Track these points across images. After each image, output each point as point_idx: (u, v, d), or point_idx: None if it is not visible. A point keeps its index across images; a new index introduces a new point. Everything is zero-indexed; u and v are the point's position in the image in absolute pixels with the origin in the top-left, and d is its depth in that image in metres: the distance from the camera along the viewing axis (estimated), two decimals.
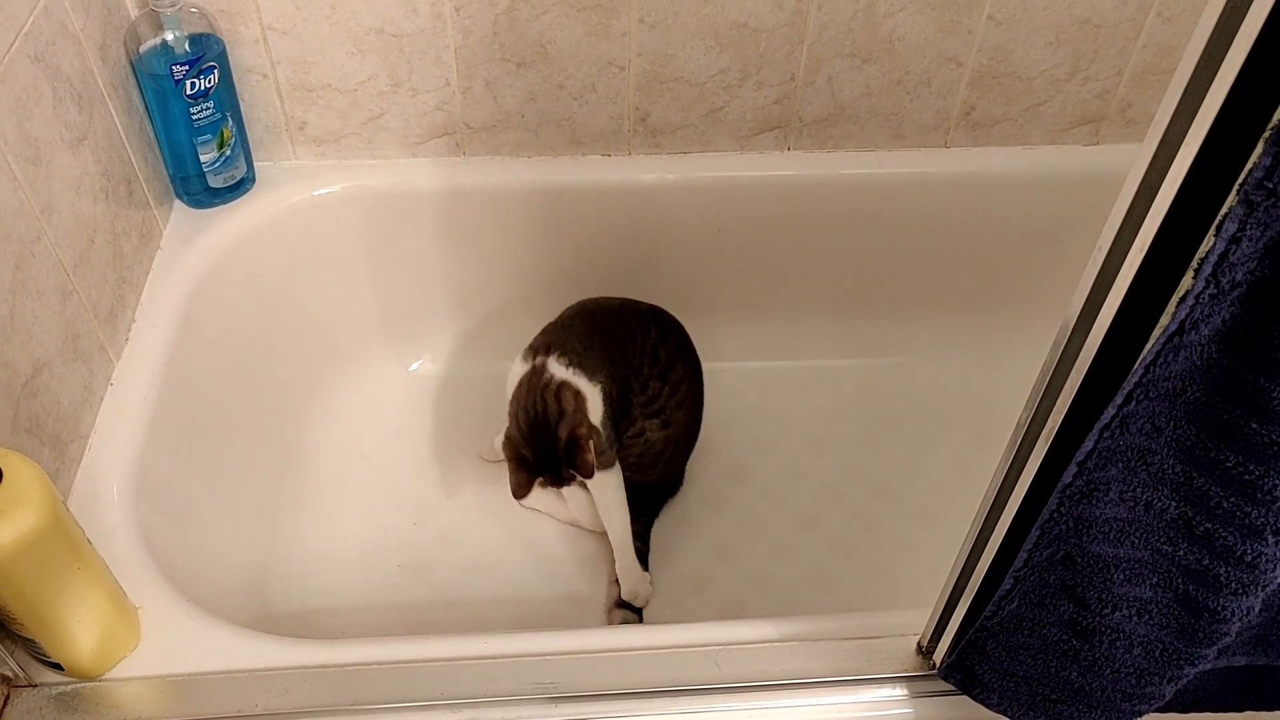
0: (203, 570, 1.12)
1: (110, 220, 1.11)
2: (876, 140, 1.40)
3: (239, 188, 1.31)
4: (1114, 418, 0.53)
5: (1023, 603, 0.66)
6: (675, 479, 1.40)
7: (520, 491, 1.15)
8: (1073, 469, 0.56)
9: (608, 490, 1.24)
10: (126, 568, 0.93)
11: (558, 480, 1.17)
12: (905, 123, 1.39)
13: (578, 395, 1.15)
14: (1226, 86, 0.49)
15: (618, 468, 1.24)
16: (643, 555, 1.31)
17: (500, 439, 1.26)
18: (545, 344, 1.21)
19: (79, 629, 0.81)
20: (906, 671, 0.89)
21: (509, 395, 1.21)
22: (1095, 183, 1.44)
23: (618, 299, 1.30)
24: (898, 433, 1.51)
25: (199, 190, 1.28)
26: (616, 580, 1.27)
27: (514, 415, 1.18)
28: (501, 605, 1.30)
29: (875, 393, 1.56)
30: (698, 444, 1.38)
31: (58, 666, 0.85)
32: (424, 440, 1.46)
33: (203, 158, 1.24)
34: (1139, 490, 0.56)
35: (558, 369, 1.17)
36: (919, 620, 0.91)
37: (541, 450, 1.14)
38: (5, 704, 0.84)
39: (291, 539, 1.31)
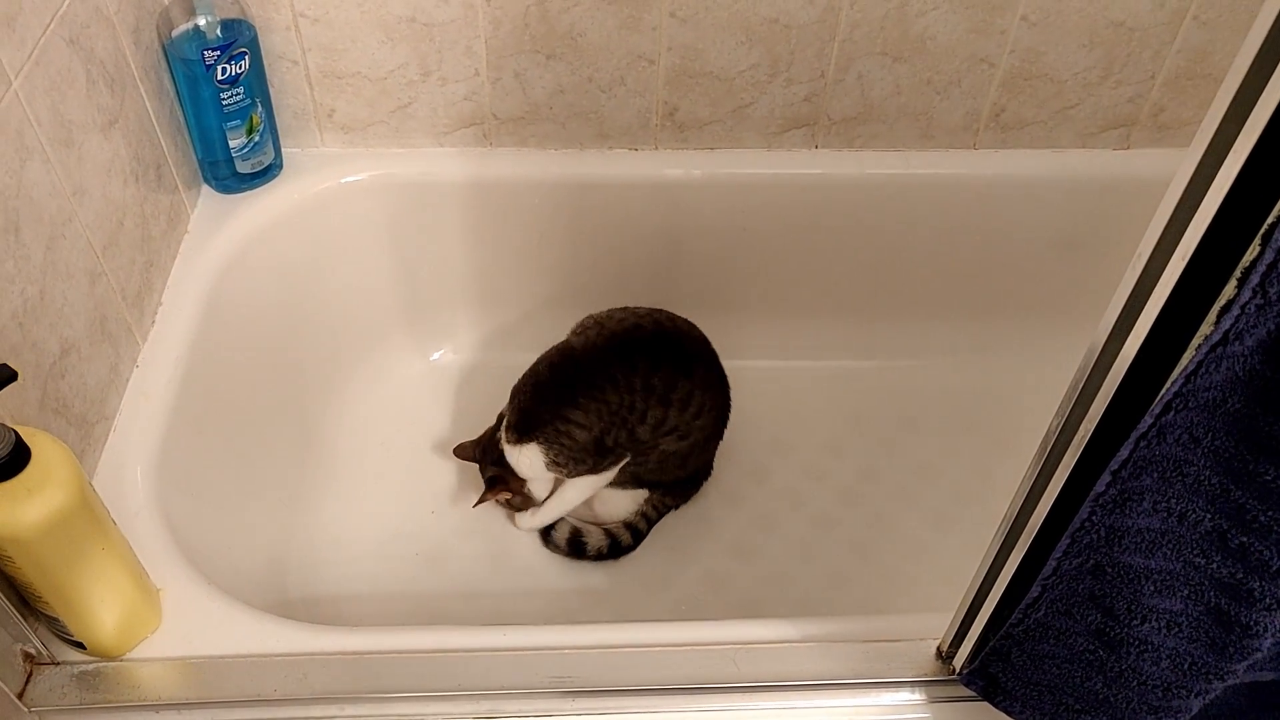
0: (223, 554, 1.12)
1: (139, 204, 1.11)
2: (905, 140, 1.39)
3: (266, 174, 1.31)
4: (1151, 427, 0.53)
5: (1050, 611, 0.65)
6: (706, 468, 1.39)
7: (461, 451, 1.33)
8: (1106, 477, 0.56)
9: (576, 488, 1.29)
10: (149, 550, 0.94)
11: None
12: (934, 123, 1.38)
13: (502, 458, 1.27)
14: (1278, 95, 0.48)
15: (591, 479, 1.28)
16: (639, 535, 1.32)
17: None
18: (514, 392, 1.28)
19: (102, 609, 0.82)
20: (925, 676, 0.88)
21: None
22: (1126, 188, 1.43)
23: (614, 321, 1.27)
24: (918, 435, 1.50)
25: (227, 175, 1.28)
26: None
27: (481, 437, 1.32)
28: (517, 596, 1.30)
29: (897, 395, 1.55)
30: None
31: (80, 645, 0.86)
32: (444, 430, 1.46)
33: (231, 143, 1.25)
34: (1173, 501, 0.56)
35: (502, 432, 1.26)
36: (938, 625, 0.90)
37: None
38: (28, 680, 0.85)
39: (311, 525, 1.32)
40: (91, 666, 0.86)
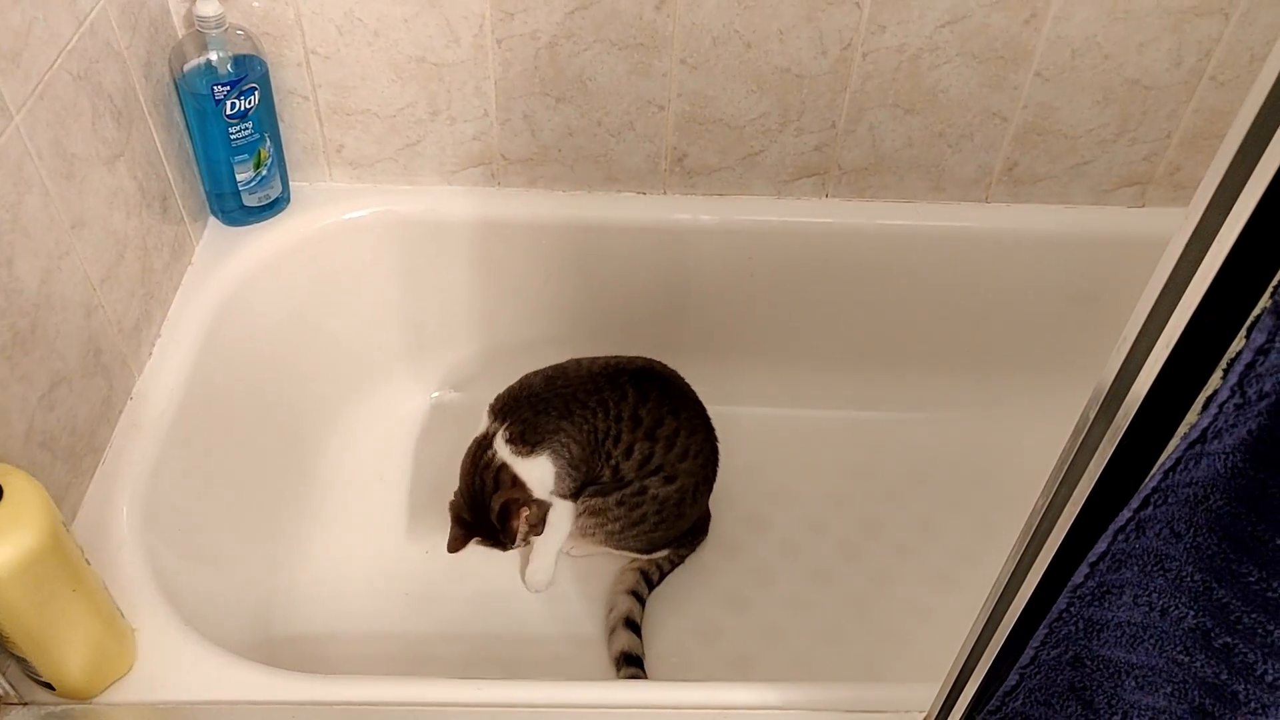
0: (209, 589, 1.12)
1: (142, 235, 1.12)
2: (916, 192, 1.38)
3: (273, 207, 1.32)
4: (1129, 521, 0.51)
5: (1028, 700, 0.63)
6: (704, 520, 1.37)
7: (454, 546, 1.21)
8: (1084, 569, 0.54)
9: (561, 516, 1.26)
10: (127, 587, 0.93)
11: (497, 544, 1.21)
12: (946, 176, 1.36)
13: (514, 479, 1.18)
14: (1267, 179, 0.47)
15: (571, 505, 1.26)
16: (644, 589, 1.29)
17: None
18: (502, 408, 1.23)
19: (71, 651, 0.81)
20: None
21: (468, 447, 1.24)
22: (1139, 246, 1.40)
23: (601, 360, 1.26)
24: (922, 490, 1.48)
25: (234, 208, 1.29)
26: (612, 633, 1.26)
27: (460, 481, 1.23)
28: (504, 641, 1.28)
29: (901, 448, 1.52)
30: (716, 489, 1.35)
31: (50, 686, 0.85)
32: (442, 469, 1.44)
33: (239, 176, 1.25)
34: (1154, 596, 0.53)
35: (502, 448, 1.19)
36: (926, 696, 0.87)
37: (477, 517, 1.20)
38: None
39: (302, 561, 1.31)
40: (60, 708, 0.85)
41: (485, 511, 1.19)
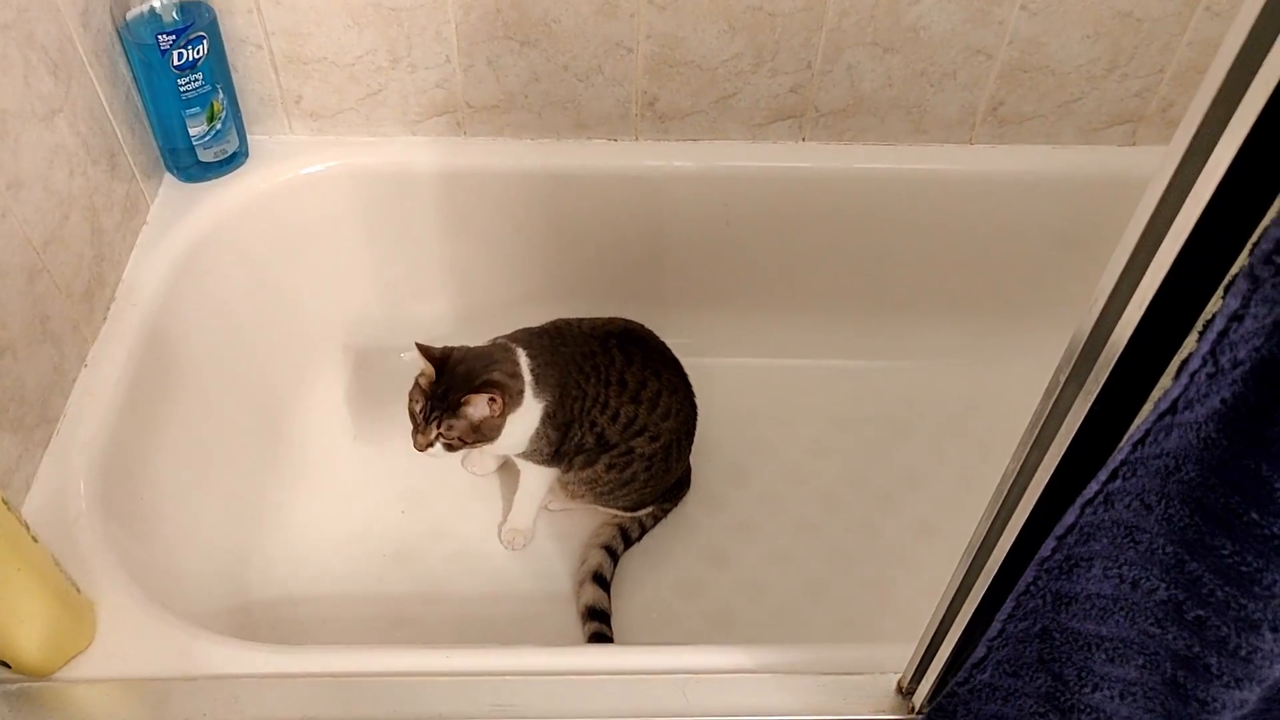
0: (175, 558, 1.10)
1: (89, 195, 1.07)
2: (896, 134, 1.33)
3: (231, 162, 1.27)
4: (1097, 494, 0.48)
5: (996, 672, 0.61)
6: (685, 474, 1.35)
7: (414, 399, 1.11)
8: (1051, 543, 0.51)
9: (538, 478, 1.24)
10: (86, 560, 0.91)
11: (445, 406, 1.09)
12: (928, 116, 1.31)
13: (516, 372, 1.11)
14: (1249, 121, 0.43)
15: (553, 470, 1.23)
16: (620, 545, 1.28)
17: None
18: (514, 339, 1.17)
19: (20, 631, 0.79)
20: (883, 713, 0.84)
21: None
22: (1130, 185, 1.35)
23: (587, 321, 1.22)
24: (905, 440, 1.45)
25: (189, 164, 1.24)
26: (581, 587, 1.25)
27: (438, 356, 1.11)
28: (483, 601, 1.27)
29: (884, 397, 1.50)
30: (697, 442, 1.33)
31: (6, 664, 0.83)
32: None
33: (192, 131, 1.20)
34: (1125, 568, 0.51)
35: (522, 359, 1.13)
36: (903, 655, 0.86)
37: (448, 382, 1.09)
38: None
39: (275, 524, 1.29)
40: (16, 686, 0.83)
41: (464, 379, 1.08)
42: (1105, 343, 0.49)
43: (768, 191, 1.36)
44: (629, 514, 1.30)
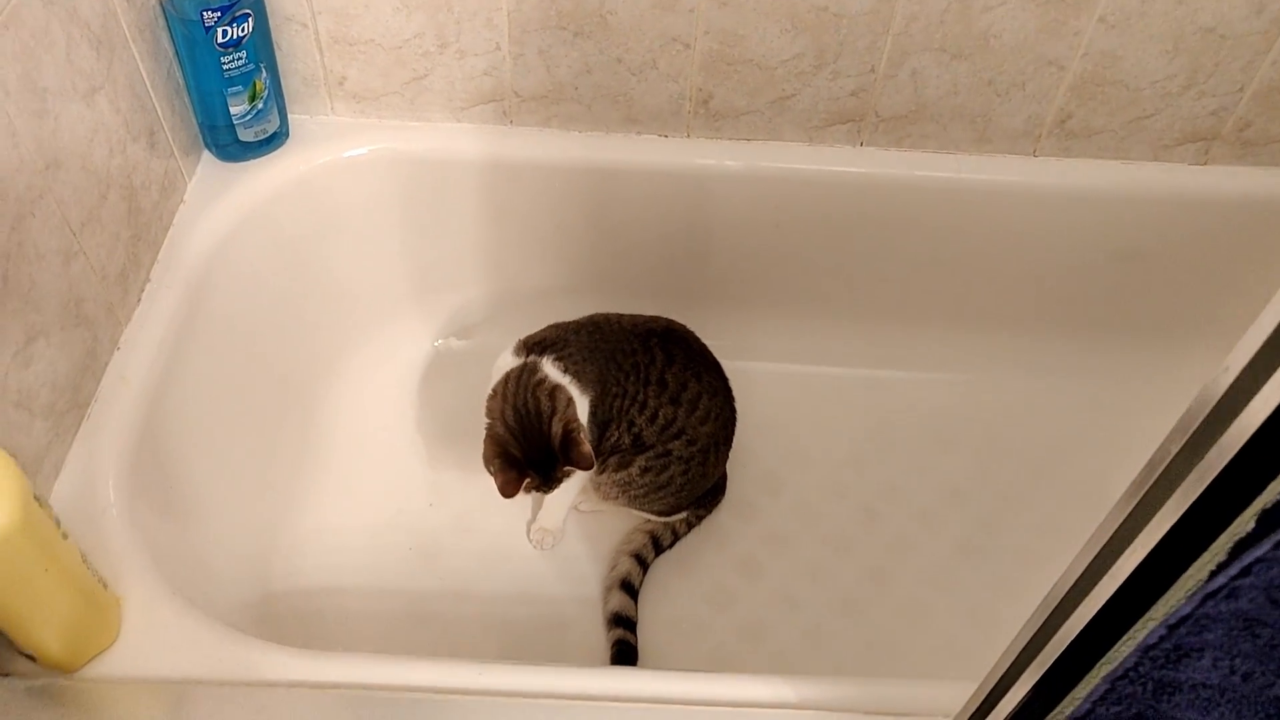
0: (203, 546, 1.08)
1: (127, 173, 1.04)
2: (959, 143, 1.28)
3: (271, 142, 1.24)
4: (1223, 587, 0.44)
5: None
6: (721, 481, 1.32)
7: (509, 490, 1.06)
8: (1161, 630, 0.47)
9: (572, 478, 1.17)
10: (113, 552, 0.89)
11: (546, 480, 1.08)
12: (993, 126, 1.26)
13: (570, 400, 1.07)
14: None
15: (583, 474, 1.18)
16: (650, 553, 1.25)
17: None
18: (542, 342, 1.13)
19: (47, 629, 0.77)
20: None
21: (491, 387, 1.11)
22: (1199, 205, 1.31)
23: (628, 318, 1.19)
24: (948, 455, 1.41)
25: (229, 142, 1.21)
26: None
27: (499, 413, 1.08)
28: (508, 601, 1.25)
29: (929, 410, 1.46)
30: (733, 447, 1.29)
31: (32, 657, 0.81)
32: (446, 418, 1.40)
33: (233, 109, 1.17)
34: (1238, 660, 0.47)
35: (552, 371, 1.09)
36: (948, 698, 0.82)
37: (532, 448, 1.06)
38: None
39: (302, 512, 1.27)
40: (41, 682, 0.81)
41: (541, 440, 1.06)
42: (1235, 416, 0.45)
43: (821, 196, 1.31)
44: (661, 519, 1.27)
